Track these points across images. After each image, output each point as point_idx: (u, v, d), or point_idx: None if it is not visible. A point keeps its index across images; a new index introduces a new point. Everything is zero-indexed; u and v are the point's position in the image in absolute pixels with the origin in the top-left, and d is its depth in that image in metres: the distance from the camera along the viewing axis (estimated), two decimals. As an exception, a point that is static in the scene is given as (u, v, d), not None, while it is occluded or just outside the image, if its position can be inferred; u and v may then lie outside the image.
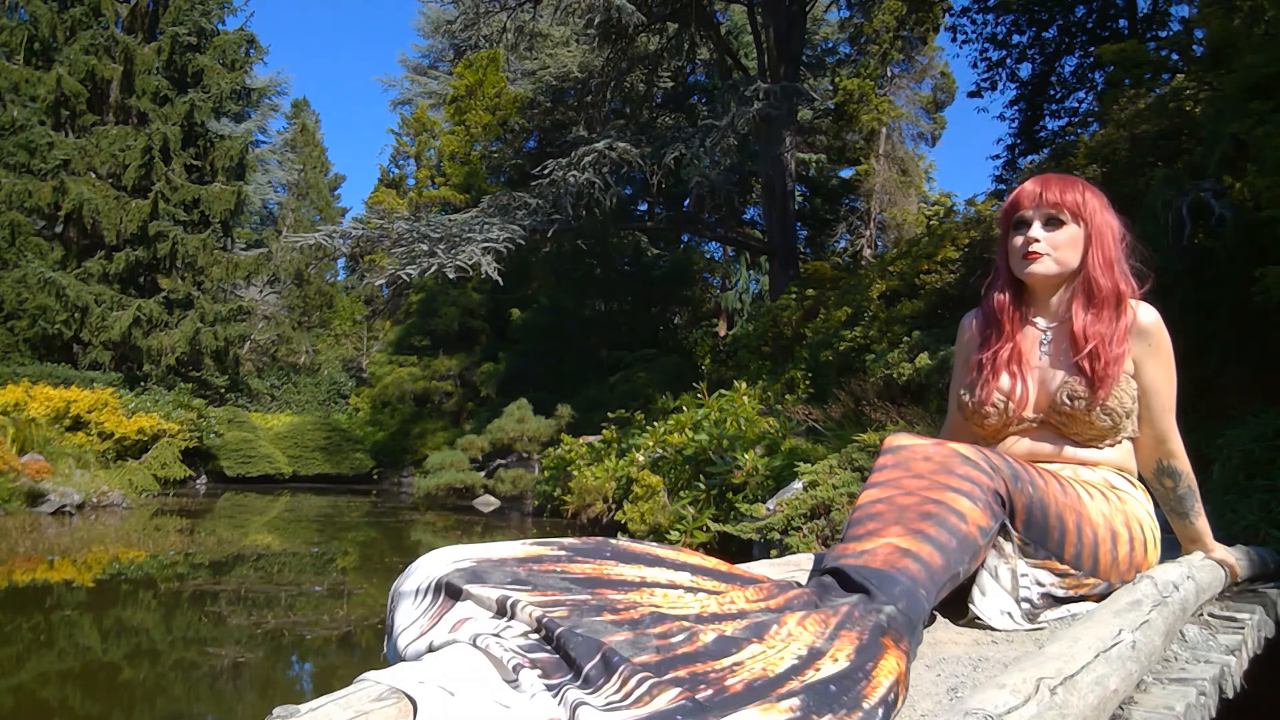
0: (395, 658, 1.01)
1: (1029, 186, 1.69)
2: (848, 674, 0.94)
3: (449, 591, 1.03)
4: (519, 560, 1.09)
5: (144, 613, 5.34)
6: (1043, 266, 1.65)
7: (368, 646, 4.41)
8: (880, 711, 0.90)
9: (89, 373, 17.35)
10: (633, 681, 0.86)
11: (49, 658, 4.10)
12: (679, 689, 0.86)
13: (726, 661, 0.94)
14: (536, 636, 0.95)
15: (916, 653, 1.15)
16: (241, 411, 19.39)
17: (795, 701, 0.86)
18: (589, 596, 1.03)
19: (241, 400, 22.23)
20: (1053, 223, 1.66)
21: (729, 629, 1.01)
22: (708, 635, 0.98)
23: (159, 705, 3.62)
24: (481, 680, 0.88)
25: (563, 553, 1.13)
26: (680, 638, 0.96)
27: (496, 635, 0.95)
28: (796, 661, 0.95)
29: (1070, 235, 1.65)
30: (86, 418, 13.51)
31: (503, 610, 0.99)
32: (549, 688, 0.87)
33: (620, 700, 0.84)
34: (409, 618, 1.03)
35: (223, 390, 21.41)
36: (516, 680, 0.88)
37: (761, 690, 0.89)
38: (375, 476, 19.86)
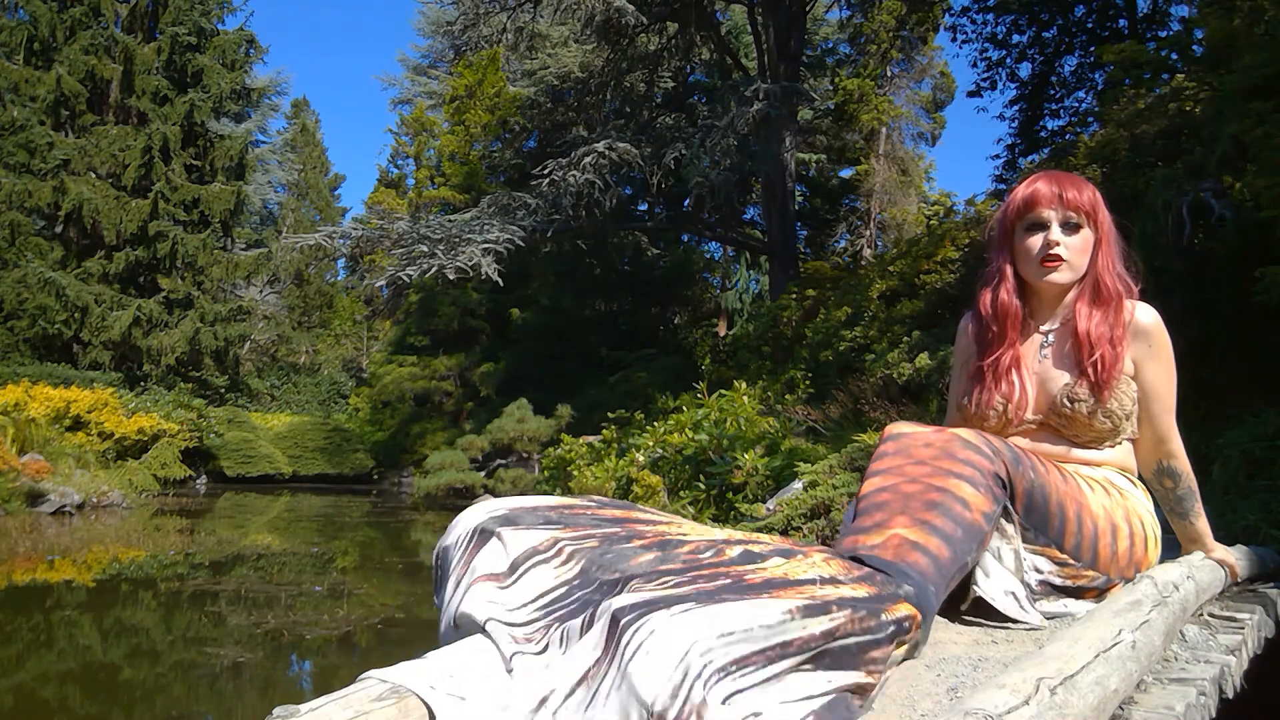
0: (445, 617, 1.10)
1: (1043, 186, 1.61)
2: (867, 599, 1.00)
3: (482, 535, 1.11)
4: (550, 507, 1.17)
5: (144, 613, 5.34)
6: (1062, 275, 1.61)
7: (368, 646, 4.41)
8: (890, 629, 0.95)
9: (89, 373, 17.34)
10: (639, 585, 0.93)
11: (49, 658, 4.10)
12: (687, 581, 0.93)
13: (751, 567, 1.01)
14: (548, 599, 1.00)
15: (920, 652, 1.15)
16: (241, 411, 19.38)
17: (814, 589, 0.93)
18: (619, 529, 1.11)
19: (241, 400, 22.21)
20: (1070, 226, 1.61)
21: (757, 549, 1.08)
22: (734, 550, 1.05)
23: (159, 705, 3.62)
24: (485, 675, 0.92)
25: (592, 503, 1.22)
26: (708, 554, 1.04)
27: (507, 618, 1.00)
28: (817, 578, 1.01)
29: (1084, 239, 1.61)
30: (86, 418, 13.50)
31: (514, 568, 1.05)
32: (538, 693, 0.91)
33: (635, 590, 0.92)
34: (450, 567, 1.12)
35: (223, 390, 21.40)
36: (512, 670, 0.93)
37: (779, 585, 0.95)
38: (375, 476, 19.86)
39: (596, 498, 1.24)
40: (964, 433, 1.38)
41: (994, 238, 1.72)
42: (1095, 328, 1.58)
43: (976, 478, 1.31)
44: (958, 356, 1.81)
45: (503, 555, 1.06)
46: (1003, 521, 1.39)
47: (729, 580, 0.91)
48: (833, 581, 1.00)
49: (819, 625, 0.89)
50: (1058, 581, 1.46)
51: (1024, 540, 1.42)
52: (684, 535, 1.11)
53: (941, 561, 1.20)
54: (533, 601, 1.00)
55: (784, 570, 0.98)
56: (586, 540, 1.04)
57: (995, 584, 1.40)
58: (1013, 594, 1.41)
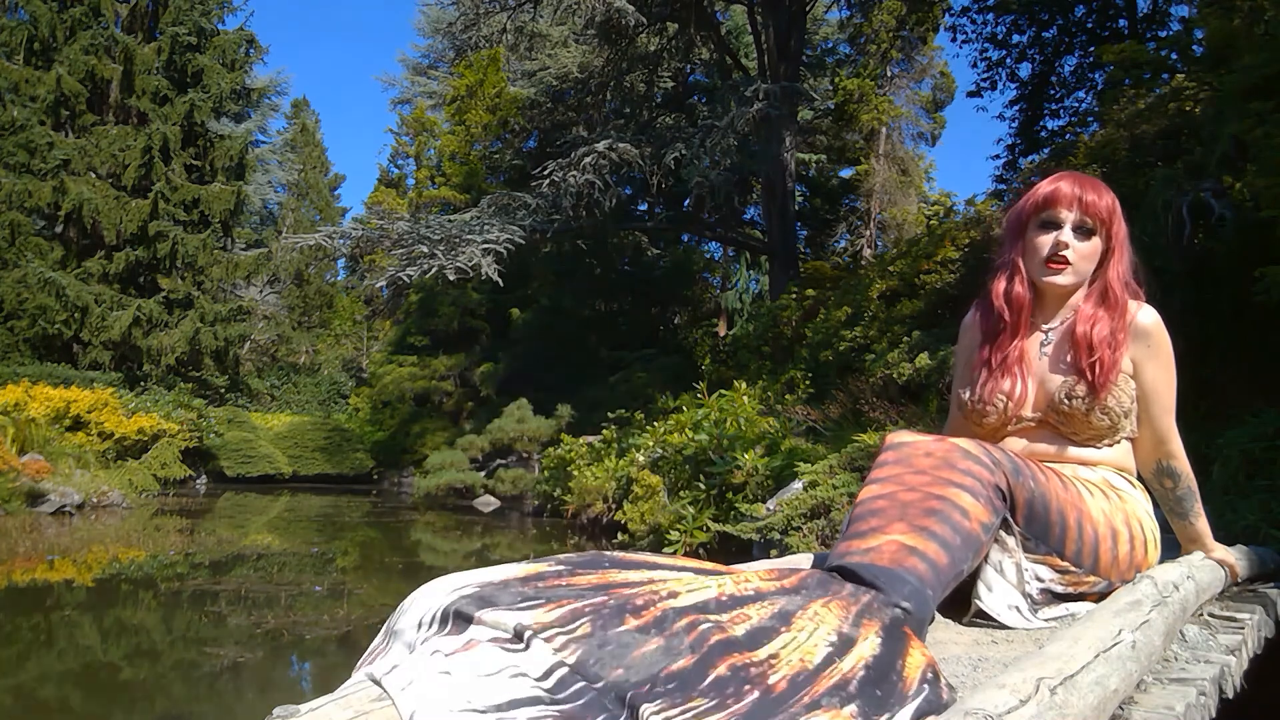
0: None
1: (1066, 187, 1.61)
2: (884, 674, 0.95)
3: (459, 619, 0.96)
4: (521, 580, 1.04)
5: (144, 613, 5.34)
6: (1065, 278, 1.62)
7: (367, 646, 4.40)
8: (925, 689, 0.93)
9: (89, 373, 17.34)
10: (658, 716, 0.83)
11: (49, 658, 4.10)
12: (715, 703, 0.84)
13: (763, 654, 0.93)
14: (554, 677, 0.88)
15: None
16: (241, 411, 19.38)
17: (854, 708, 0.88)
18: (605, 598, 0.99)
19: (241, 400, 22.22)
20: (1083, 230, 1.61)
21: (755, 616, 1.00)
22: (737, 628, 0.97)
23: (159, 705, 3.61)
24: None
25: (562, 568, 1.09)
26: (707, 627, 0.94)
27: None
28: (830, 649, 0.96)
29: (1094, 247, 1.62)
30: (86, 418, 13.51)
31: (519, 636, 0.92)
32: None
33: None
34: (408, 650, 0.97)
35: (223, 390, 21.41)
36: None
37: (804, 683, 0.90)
38: (375, 476, 19.86)
39: (565, 558, 1.12)
40: (964, 443, 1.38)
41: (1008, 229, 1.71)
42: (1098, 333, 1.58)
43: (976, 488, 1.31)
44: (960, 353, 1.81)
45: (499, 656, 0.90)
46: (1004, 534, 1.39)
47: (755, 695, 0.85)
48: (845, 646, 0.96)
49: None
50: (1059, 589, 1.46)
51: (1025, 549, 1.42)
52: (675, 594, 1.00)
53: (940, 567, 1.20)
54: (539, 679, 0.88)
55: (799, 656, 0.93)
56: (578, 625, 0.92)
57: (998, 599, 1.40)
58: (1016, 608, 1.41)
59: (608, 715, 0.84)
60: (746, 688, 0.87)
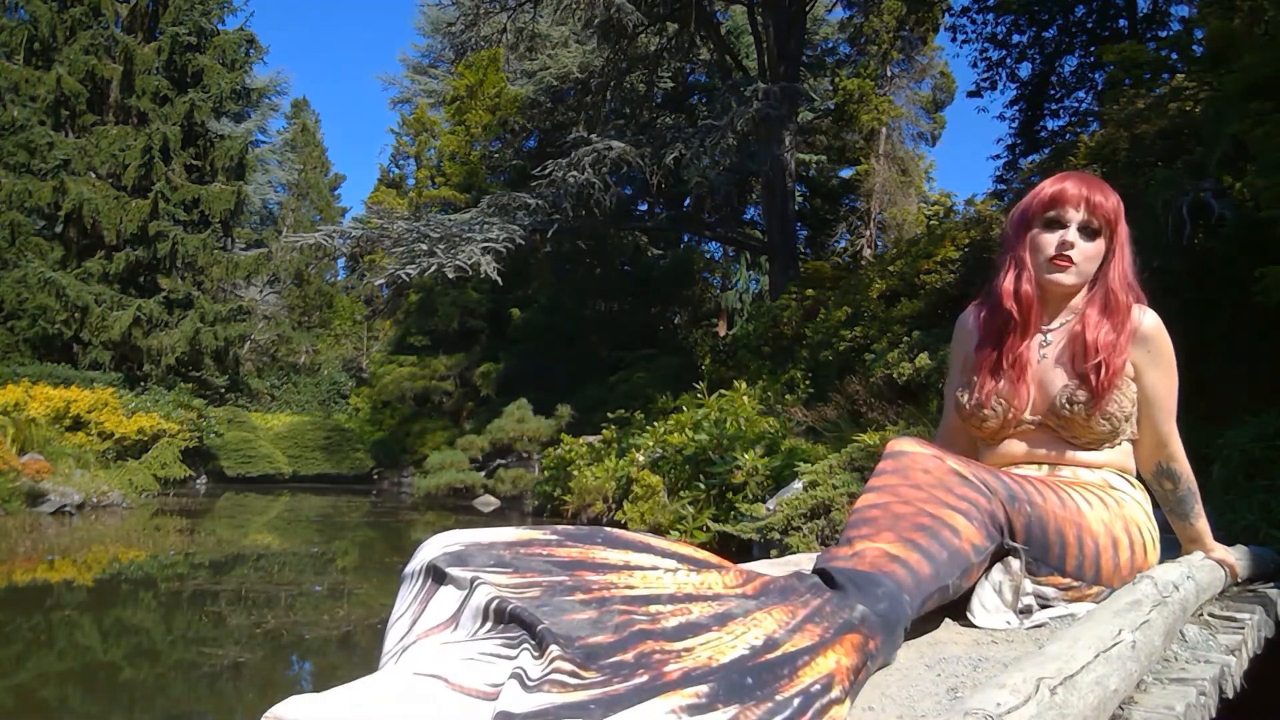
0: (389, 645, 1.01)
1: (1071, 187, 1.60)
2: (772, 666, 0.92)
3: (435, 576, 1.03)
4: (507, 544, 1.08)
5: (144, 613, 5.34)
6: (1069, 278, 1.61)
7: (368, 646, 4.41)
8: (797, 701, 0.89)
9: (89, 373, 17.33)
10: (555, 664, 0.85)
11: (49, 658, 4.10)
12: (601, 680, 0.85)
13: (678, 646, 0.92)
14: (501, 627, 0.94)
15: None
16: (241, 411, 19.38)
17: (703, 688, 0.85)
18: (566, 578, 1.02)
19: (241, 400, 22.21)
20: (1087, 231, 1.60)
21: (696, 612, 1.00)
22: (671, 620, 0.97)
23: (159, 705, 3.61)
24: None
25: (554, 537, 1.12)
26: (643, 620, 0.95)
27: (468, 642, 0.94)
28: (747, 652, 0.93)
29: (1097, 248, 1.62)
30: (86, 418, 13.50)
31: (470, 585, 0.99)
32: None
33: (539, 680, 0.84)
34: (404, 604, 1.04)
35: (223, 390, 21.40)
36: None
37: (698, 678, 0.87)
38: (375, 476, 19.86)
39: (563, 529, 1.15)
40: (961, 467, 1.39)
41: (1013, 225, 1.70)
42: (1103, 336, 1.57)
43: (972, 512, 1.32)
44: (955, 353, 1.79)
45: (453, 599, 0.99)
46: (1010, 560, 1.41)
47: (646, 678, 0.85)
48: (765, 651, 0.94)
49: None
50: (1063, 604, 1.48)
51: (1029, 572, 1.43)
52: (631, 588, 1.02)
53: (920, 576, 1.20)
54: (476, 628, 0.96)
55: (710, 653, 0.92)
56: (529, 590, 0.97)
57: (995, 619, 1.41)
58: (1008, 623, 1.42)
59: (522, 637, 0.90)
60: (640, 671, 0.86)
